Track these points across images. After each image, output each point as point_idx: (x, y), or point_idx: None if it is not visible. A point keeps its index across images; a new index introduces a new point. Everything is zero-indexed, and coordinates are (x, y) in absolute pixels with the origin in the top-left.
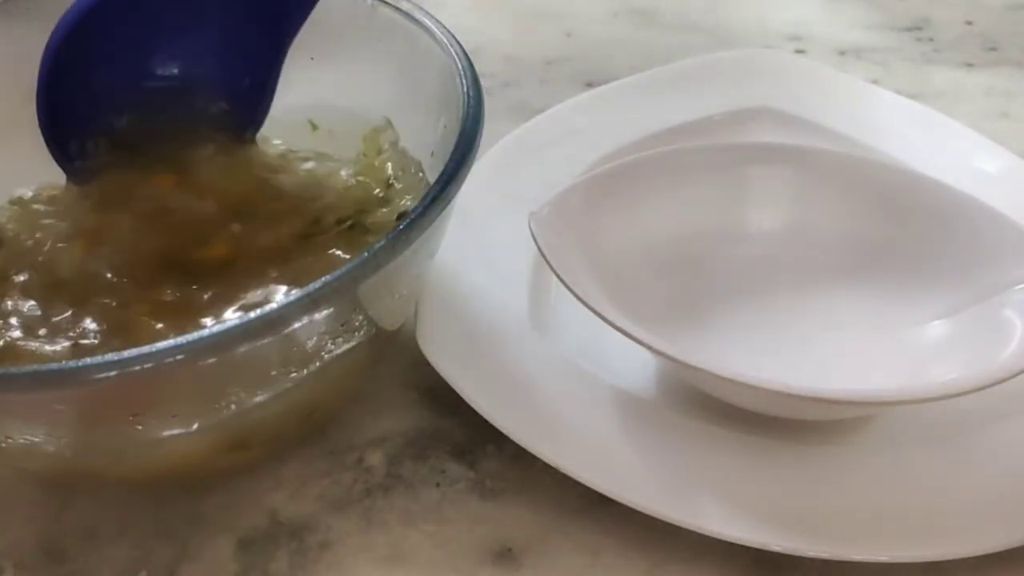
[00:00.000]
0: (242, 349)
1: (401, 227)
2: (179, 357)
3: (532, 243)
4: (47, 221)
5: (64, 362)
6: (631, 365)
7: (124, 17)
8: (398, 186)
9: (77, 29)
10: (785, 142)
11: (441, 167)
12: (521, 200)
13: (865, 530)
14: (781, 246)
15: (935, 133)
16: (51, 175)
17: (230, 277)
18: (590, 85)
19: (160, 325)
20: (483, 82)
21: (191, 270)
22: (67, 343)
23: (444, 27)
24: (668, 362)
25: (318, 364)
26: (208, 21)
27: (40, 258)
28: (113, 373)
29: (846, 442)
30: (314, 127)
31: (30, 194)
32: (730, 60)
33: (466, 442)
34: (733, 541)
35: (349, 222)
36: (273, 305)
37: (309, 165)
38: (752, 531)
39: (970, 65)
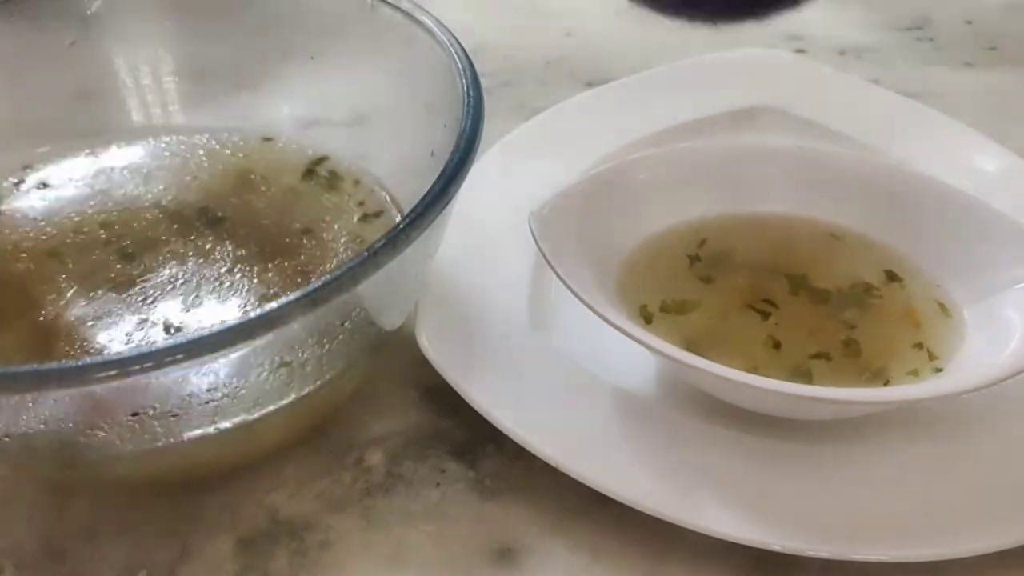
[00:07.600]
0: (241, 348)
1: (401, 227)
2: (179, 356)
3: (532, 243)
4: None
5: (63, 361)
6: (631, 365)
7: None
8: None
9: None
10: (785, 142)
11: (441, 167)
12: (521, 200)
13: (865, 530)
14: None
15: (935, 133)
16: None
17: None
18: (590, 85)
19: None
20: (483, 82)
21: None
22: None
23: (444, 27)
24: (668, 362)
25: (318, 364)
26: None
27: None
28: (113, 373)
29: (846, 442)
30: None
31: None
32: (730, 60)
33: (466, 442)
34: (734, 541)
35: None
36: (273, 304)
37: None
38: (752, 531)
39: (970, 65)
